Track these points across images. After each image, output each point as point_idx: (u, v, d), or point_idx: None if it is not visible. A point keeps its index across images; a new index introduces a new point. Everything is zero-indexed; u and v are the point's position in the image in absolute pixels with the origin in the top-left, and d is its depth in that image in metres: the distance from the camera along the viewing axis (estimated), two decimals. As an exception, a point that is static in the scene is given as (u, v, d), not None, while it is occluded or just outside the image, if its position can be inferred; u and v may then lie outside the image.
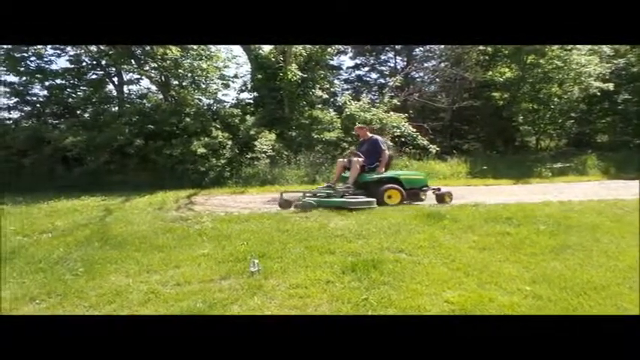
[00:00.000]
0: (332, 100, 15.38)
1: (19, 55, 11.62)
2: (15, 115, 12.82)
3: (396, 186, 7.15)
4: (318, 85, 14.05)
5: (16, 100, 12.69)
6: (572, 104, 14.92)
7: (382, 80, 17.55)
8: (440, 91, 17.97)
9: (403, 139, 13.68)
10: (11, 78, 12.30)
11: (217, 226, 5.52)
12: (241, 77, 14.25)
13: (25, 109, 12.91)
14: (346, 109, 13.28)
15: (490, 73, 15.75)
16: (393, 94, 15.23)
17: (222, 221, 5.71)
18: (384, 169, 7.46)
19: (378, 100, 14.47)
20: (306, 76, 13.13)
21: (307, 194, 7.06)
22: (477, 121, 17.22)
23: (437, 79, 17.99)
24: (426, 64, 17.95)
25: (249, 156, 11.51)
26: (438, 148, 13.58)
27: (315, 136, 12.68)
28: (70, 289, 3.67)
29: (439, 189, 7.65)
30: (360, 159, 7.37)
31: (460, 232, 5.13)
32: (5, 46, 11.44)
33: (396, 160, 12.45)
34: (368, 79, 18.23)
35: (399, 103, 14.56)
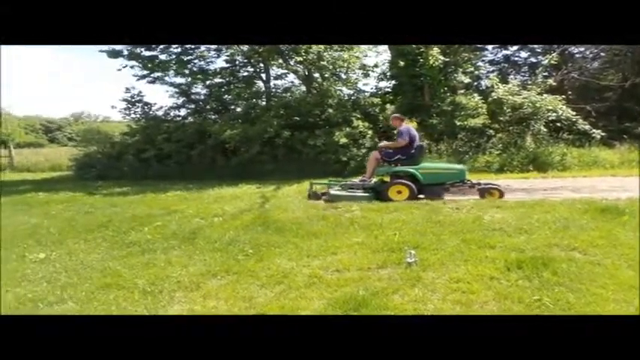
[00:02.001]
0: (475, 84, 14.47)
1: (186, 59, 13.21)
2: (182, 112, 14.63)
3: (403, 181, 6.60)
4: (461, 69, 13.33)
5: (183, 99, 14.46)
6: None
7: (533, 59, 15.95)
8: (606, 67, 15.66)
9: (559, 124, 12.31)
10: (179, 80, 14.07)
11: (367, 215, 5.59)
12: (380, 66, 14.19)
13: (190, 106, 14.63)
14: (493, 93, 12.37)
15: (674, 41, 13.20)
16: (547, 73, 13.74)
17: (371, 210, 5.77)
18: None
19: (529, 82, 13.19)
20: (448, 60, 12.56)
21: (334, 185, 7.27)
22: (655, 99, 14.65)
23: (602, 54, 15.71)
24: (587, 38, 15.72)
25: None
26: (603, 133, 11.91)
27: (458, 123, 12.09)
28: (244, 268, 4.05)
29: (479, 183, 6.83)
30: (376, 152, 7.22)
31: (647, 230, 4.41)
32: (176, 51, 13.11)
33: (552, 147, 11.30)
34: (517, 58, 16.73)
35: (554, 84, 13.09)
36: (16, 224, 5.94)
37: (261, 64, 13.93)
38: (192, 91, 14.40)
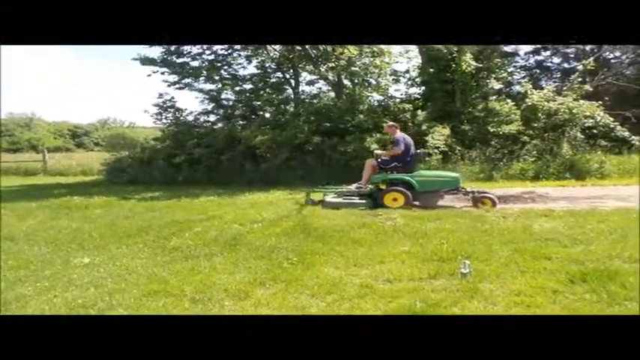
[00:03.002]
0: (507, 90, 14.18)
1: (218, 65, 13.33)
2: (212, 118, 14.74)
3: (399, 188, 6.67)
4: (494, 75, 13.10)
5: (212, 105, 14.57)
6: None
7: (566, 65, 15.55)
8: (645, 71, 15.22)
9: (595, 131, 11.94)
10: (209, 86, 14.22)
11: (409, 222, 5.46)
12: (410, 71, 14.03)
13: (219, 112, 14.71)
14: (527, 99, 12.10)
15: None
16: (581, 79, 13.38)
17: (413, 218, 5.63)
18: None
19: (564, 88, 12.86)
20: (481, 65, 12.34)
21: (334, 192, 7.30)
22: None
23: (639, 59, 15.26)
24: (622, 42, 15.29)
25: (420, 152, 11.26)
26: (643, 140, 11.49)
27: (491, 130, 11.84)
28: (291, 276, 3.97)
29: (473, 191, 6.79)
30: (372, 159, 7.29)
31: None
32: (209, 58, 13.24)
33: (590, 155, 10.95)
34: (549, 64, 16.35)
35: (590, 89, 12.73)
36: (58, 228, 6.01)
37: (291, 71, 13.95)
38: (222, 97, 14.49)
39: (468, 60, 11.89)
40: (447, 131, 11.48)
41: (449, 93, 12.70)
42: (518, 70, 16.30)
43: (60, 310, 3.50)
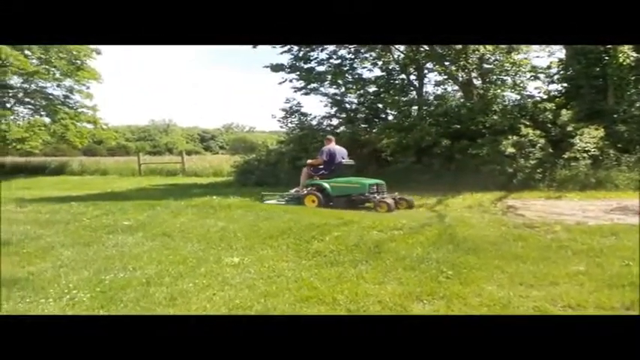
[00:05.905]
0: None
1: (344, 69, 13.43)
2: (334, 121, 14.86)
3: (314, 192, 7.86)
4: (656, 66, 11.26)
5: (335, 109, 14.70)
6: None
7: None
8: None
9: None
10: (333, 90, 14.36)
11: (576, 237, 4.77)
12: (552, 67, 12.69)
13: (342, 116, 14.78)
14: None
15: None
16: None
17: (580, 232, 4.92)
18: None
19: None
20: (643, 56, 10.70)
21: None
22: None
23: None
24: None
25: (565, 156, 10.07)
26: None
27: (656, 131, 10.17)
28: (450, 292, 3.63)
29: (376, 197, 7.59)
30: (306, 167, 8.77)
31: None
32: (335, 62, 13.40)
33: None
34: None
35: None
36: (206, 226, 6.36)
37: (415, 72, 13.52)
38: (345, 100, 14.55)
39: (627, 51, 10.37)
40: (599, 133, 10.12)
41: (599, 89, 11.24)
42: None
43: (220, 310, 3.58)
